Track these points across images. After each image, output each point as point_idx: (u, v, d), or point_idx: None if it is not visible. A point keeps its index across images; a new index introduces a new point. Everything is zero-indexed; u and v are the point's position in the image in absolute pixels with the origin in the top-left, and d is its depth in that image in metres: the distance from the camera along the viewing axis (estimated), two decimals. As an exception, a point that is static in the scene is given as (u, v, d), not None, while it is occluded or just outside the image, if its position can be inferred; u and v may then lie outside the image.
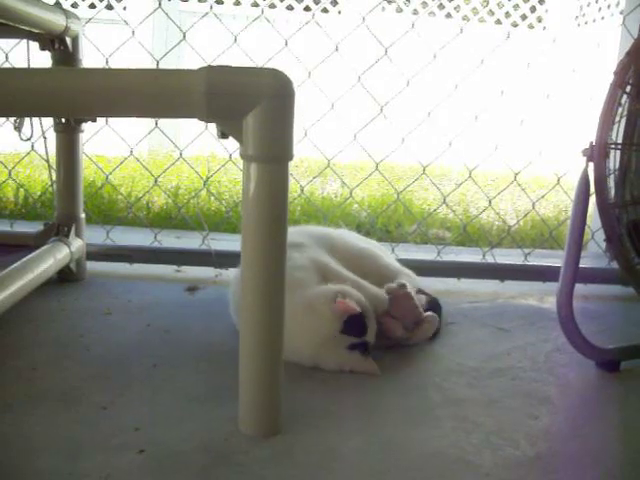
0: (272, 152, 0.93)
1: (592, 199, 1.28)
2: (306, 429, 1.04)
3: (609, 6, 4.49)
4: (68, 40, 1.56)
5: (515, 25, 5.32)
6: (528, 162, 2.10)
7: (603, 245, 1.98)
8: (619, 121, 1.32)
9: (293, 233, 1.35)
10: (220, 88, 0.90)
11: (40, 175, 2.93)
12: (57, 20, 1.48)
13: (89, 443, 0.97)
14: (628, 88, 1.29)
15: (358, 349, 1.24)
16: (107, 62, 1.77)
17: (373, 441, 1.02)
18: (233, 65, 0.93)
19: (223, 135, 0.95)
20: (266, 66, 1.02)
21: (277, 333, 1.00)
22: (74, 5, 4.90)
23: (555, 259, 1.98)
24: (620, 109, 1.31)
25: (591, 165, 1.28)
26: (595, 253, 2.04)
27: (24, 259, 1.45)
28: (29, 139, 1.74)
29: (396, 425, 1.07)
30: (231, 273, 1.80)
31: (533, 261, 1.95)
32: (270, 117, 0.91)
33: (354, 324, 1.23)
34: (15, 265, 1.40)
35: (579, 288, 1.30)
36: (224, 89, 0.90)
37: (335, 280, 1.32)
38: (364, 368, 1.24)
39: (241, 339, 1.00)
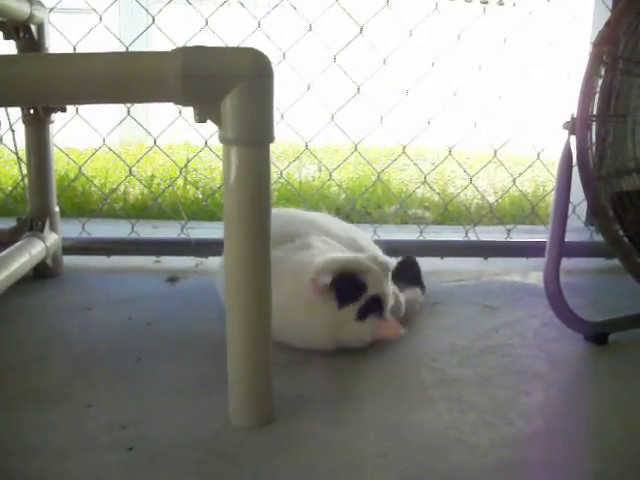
0: (252, 135, 0.90)
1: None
2: (299, 417, 1.02)
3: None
4: (33, 28, 1.50)
5: (485, 2, 5.30)
6: (507, 139, 2.09)
7: (584, 218, 1.98)
8: (599, 93, 1.30)
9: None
10: (196, 70, 0.87)
11: (9, 168, 2.85)
12: (21, 7, 1.42)
13: (76, 443, 0.94)
14: (607, 59, 1.28)
15: (372, 312, 1.18)
16: (75, 50, 1.71)
17: (368, 425, 1.00)
18: (209, 45, 0.89)
19: (201, 119, 0.91)
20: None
21: (264, 319, 0.97)
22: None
23: (536, 234, 1.98)
24: (600, 81, 1.29)
25: (573, 138, 1.27)
26: (577, 227, 2.04)
27: (-2, 256, 1.40)
28: (-4, 132, 1.69)
29: (390, 408, 1.06)
30: (212, 262, 1.78)
31: (515, 237, 1.95)
32: (249, 98, 0.88)
33: (344, 289, 1.16)
34: (-11, 263, 1.36)
35: (562, 262, 1.29)
36: (200, 71, 0.87)
37: None
38: (387, 331, 1.19)
39: (228, 328, 0.97)
